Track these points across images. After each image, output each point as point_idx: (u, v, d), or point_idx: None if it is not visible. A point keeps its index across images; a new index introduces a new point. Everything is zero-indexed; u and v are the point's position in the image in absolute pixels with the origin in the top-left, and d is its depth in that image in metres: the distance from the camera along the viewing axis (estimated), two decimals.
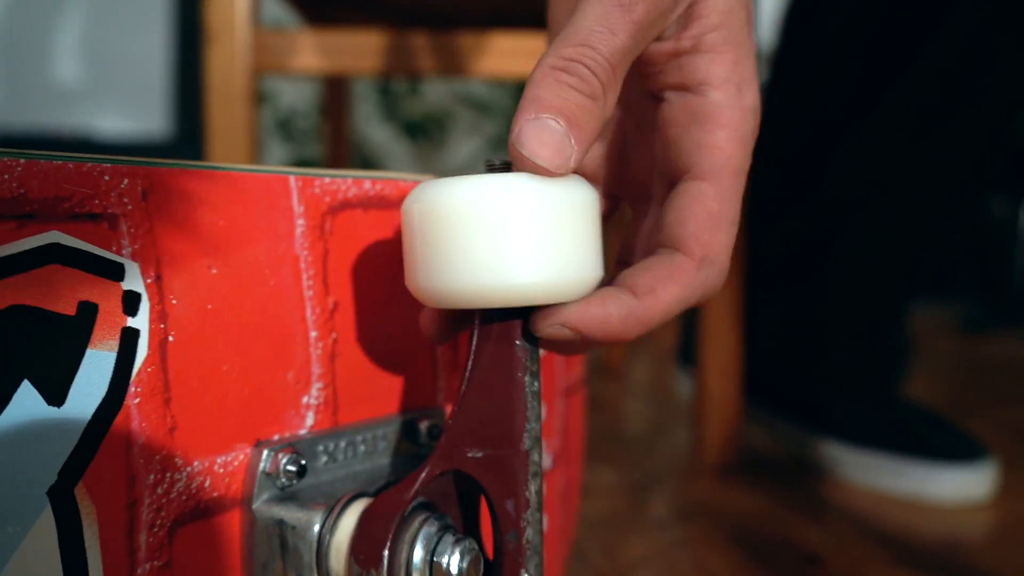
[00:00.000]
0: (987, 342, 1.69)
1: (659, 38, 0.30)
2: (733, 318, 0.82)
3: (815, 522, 0.70)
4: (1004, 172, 1.64)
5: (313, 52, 0.70)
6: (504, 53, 0.74)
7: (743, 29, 0.30)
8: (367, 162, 2.29)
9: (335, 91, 1.09)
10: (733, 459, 0.83)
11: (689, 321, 1.02)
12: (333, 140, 1.10)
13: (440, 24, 0.83)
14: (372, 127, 2.36)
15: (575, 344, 0.28)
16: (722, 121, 0.30)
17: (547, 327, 0.28)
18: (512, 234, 0.26)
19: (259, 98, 0.74)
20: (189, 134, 2.10)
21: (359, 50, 0.71)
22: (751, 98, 0.30)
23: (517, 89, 2.31)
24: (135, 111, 2.09)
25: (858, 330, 0.90)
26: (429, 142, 2.42)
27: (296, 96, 2.30)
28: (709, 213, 0.29)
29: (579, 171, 0.33)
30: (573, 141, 0.26)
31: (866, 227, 0.86)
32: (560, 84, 0.26)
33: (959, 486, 0.77)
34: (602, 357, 1.27)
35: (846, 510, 0.74)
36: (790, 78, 0.95)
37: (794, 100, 0.94)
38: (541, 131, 0.26)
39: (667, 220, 0.30)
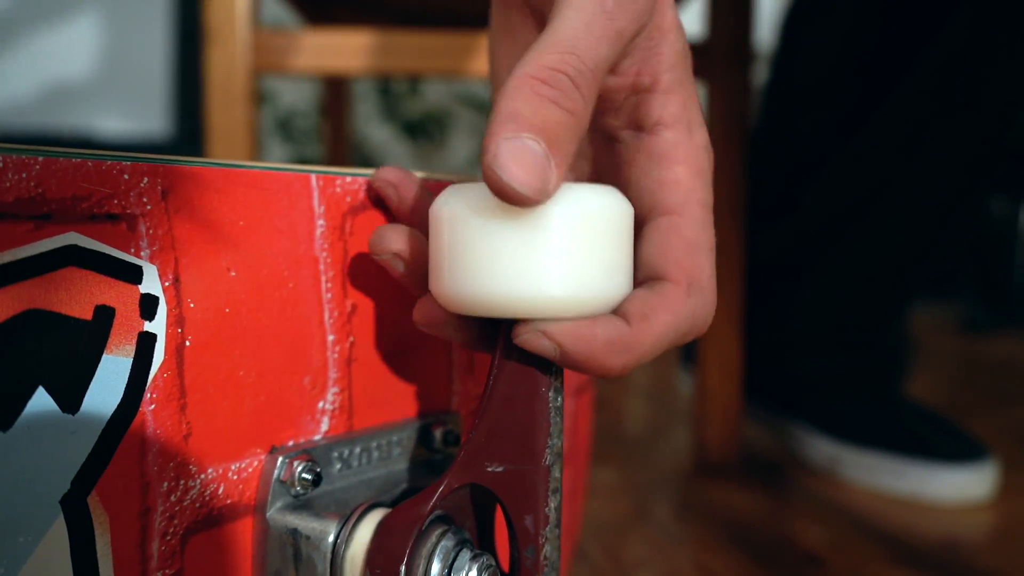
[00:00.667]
0: (987, 342, 1.70)
1: (616, 71, 0.29)
2: (733, 318, 0.81)
3: (815, 522, 0.70)
4: (1004, 173, 1.64)
5: (313, 52, 0.69)
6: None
7: (689, 72, 0.30)
8: (367, 162, 2.27)
9: (335, 91, 1.09)
10: (733, 459, 0.82)
11: None
12: (333, 140, 1.09)
13: (440, 24, 0.83)
14: (372, 127, 2.35)
15: (555, 359, 0.27)
16: (679, 158, 0.30)
17: (527, 332, 0.26)
18: (545, 244, 0.25)
19: (259, 98, 0.73)
20: (189, 134, 2.09)
21: (359, 50, 0.70)
22: (700, 137, 0.30)
23: None
24: (135, 111, 2.08)
25: (858, 331, 0.90)
26: (429, 142, 2.41)
27: (296, 96, 2.29)
28: (687, 241, 0.29)
29: None
30: (553, 164, 0.25)
31: (866, 229, 0.86)
32: (540, 98, 0.25)
33: (959, 486, 0.77)
34: None
35: (846, 510, 0.74)
36: (789, 80, 0.94)
37: (794, 101, 0.93)
38: (521, 153, 0.24)
39: (645, 255, 0.30)
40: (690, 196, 0.30)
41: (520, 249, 0.25)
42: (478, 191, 0.26)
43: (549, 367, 0.28)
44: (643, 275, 0.30)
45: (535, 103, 0.25)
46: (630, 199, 0.30)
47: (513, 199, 0.24)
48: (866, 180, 0.85)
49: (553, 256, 0.25)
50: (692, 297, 0.29)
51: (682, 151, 0.30)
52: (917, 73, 0.81)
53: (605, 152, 0.32)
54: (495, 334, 0.29)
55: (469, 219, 0.26)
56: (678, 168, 0.30)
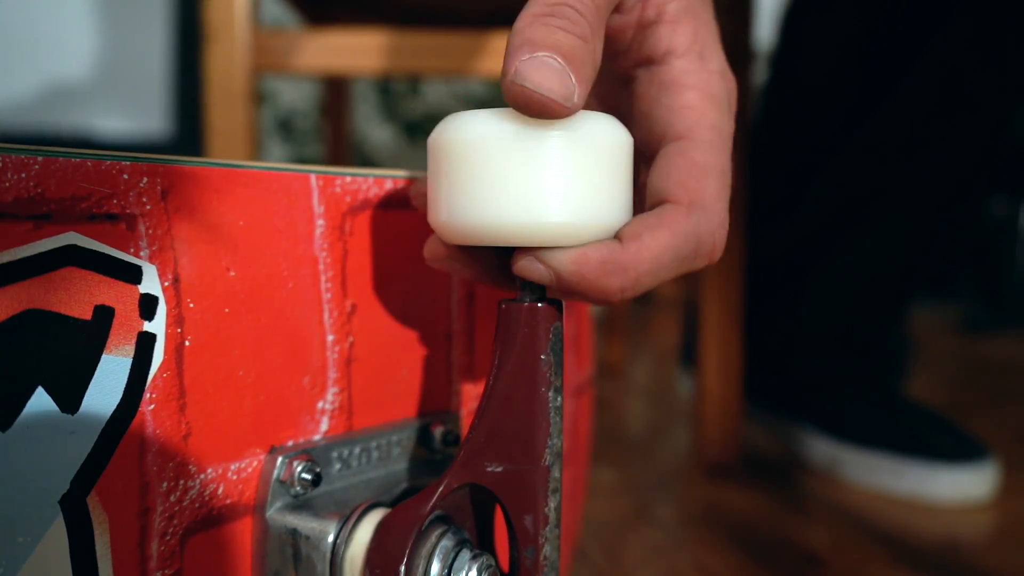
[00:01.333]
0: (987, 342, 1.69)
1: (621, 10, 0.29)
2: (733, 318, 0.81)
3: (815, 522, 0.70)
4: (1004, 173, 1.64)
5: (313, 52, 0.69)
6: (503, 53, 0.73)
7: (701, 2, 0.30)
8: (367, 162, 2.27)
9: (335, 91, 1.09)
10: (733, 459, 0.82)
11: (691, 321, 1.02)
12: (333, 140, 1.09)
13: (440, 24, 0.83)
14: (372, 127, 2.35)
15: (551, 286, 0.27)
16: (688, 83, 0.29)
17: (522, 259, 0.26)
18: (544, 169, 0.25)
19: (259, 98, 0.73)
20: (189, 134, 2.08)
21: (359, 50, 0.70)
22: (716, 63, 0.30)
23: None
24: (135, 111, 2.08)
25: (859, 331, 0.90)
26: None
27: (296, 96, 2.29)
28: (693, 163, 0.28)
29: None
30: (574, 78, 0.25)
31: (867, 228, 0.86)
32: (549, 27, 0.25)
33: (959, 486, 0.77)
34: (603, 357, 1.27)
35: (846, 510, 0.74)
36: (790, 79, 0.94)
37: (794, 101, 0.93)
38: (541, 66, 0.24)
39: (652, 181, 0.29)
40: (701, 120, 0.29)
41: (519, 175, 0.25)
42: (476, 119, 0.26)
43: (548, 367, 0.28)
44: (649, 204, 0.29)
45: (545, 30, 0.25)
46: (643, 134, 0.30)
47: (540, 107, 0.24)
48: (866, 180, 0.85)
49: (552, 181, 0.25)
50: (693, 216, 0.27)
51: (692, 77, 0.29)
52: (917, 72, 0.81)
53: (623, 98, 0.32)
54: (503, 265, 0.29)
55: (466, 146, 0.26)
56: (688, 93, 0.29)
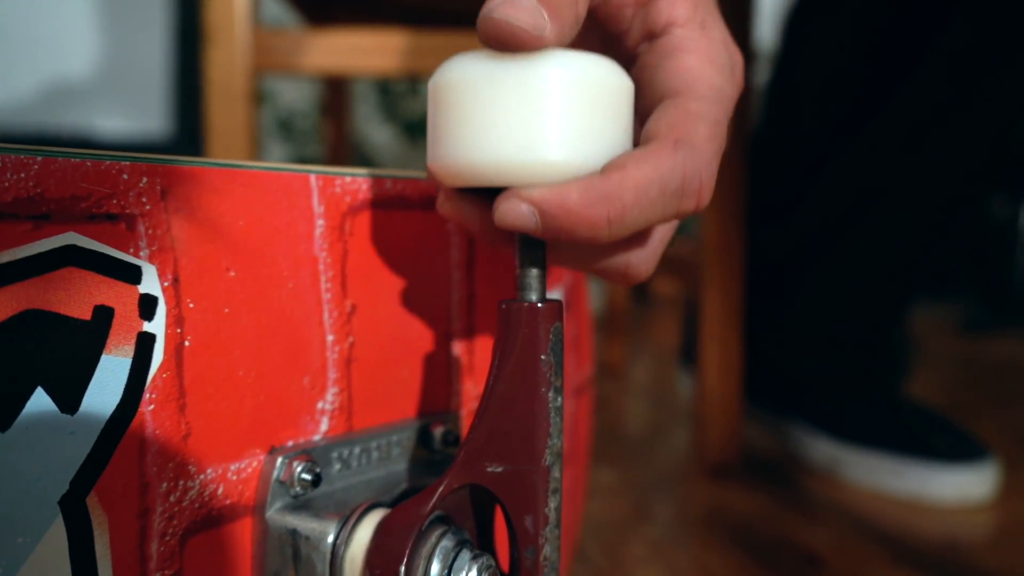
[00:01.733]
0: (987, 342, 1.69)
1: None
2: (733, 318, 0.81)
3: (815, 522, 0.70)
4: (1004, 173, 1.64)
5: (313, 52, 0.69)
6: None
7: None
8: (367, 162, 2.27)
9: (335, 91, 1.08)
10: (733, 459, 0.82)
11: (690, 320, 1.02)
12: (333, 140, 1.09)
13: (440, 24, 0.83)
14: (372, 127, 2.35)
15: (536, 228, 0.26)
16: (689, 48, 0.29)
17: (504, 202, 0.26)
18: (537, 106, 0.25)
19: (259, 98, 0.73)
20: (189, 134, 2.08)
21: (359, 50, 0.70)
22: (718, 32, 0.30)
23: None
24: (135, 111, 2.08)
25: (859, 331, 0.90)
26: None
27: (296, 96, 2.28)
28: (686, 110, 0.28)
29: None
30: (546, 16, 0.25)
31: (868, 229, 0.86)
32: None
33: (960, 486, 0.77)
34: (603, 357, 1.27)
35: (846, 510, 0.74)
36: (791, 80, 0.94)
37: (796, 102, 0.93)
38: (513, 2, 0.25)
39: (644, 132, 0.28)
40: (699, 78, 0.29)
41: (513, 112, 0.25)
42: (471, 58, 0.26)
43: (548, 368, 0.28)
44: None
45: None
46: (645, 104, 0.30)
47: (510, 37, 0.25)
48: (868, 181, 0.85)
49: (544, 118, 0.25)
50: (680, 152, 0.27)
51: (693, 44, 0.29)
52: (919, 74, 0.81)
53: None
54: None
55: (460, 85, 0.26)
56: (689, 57, 0.29)
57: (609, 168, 0.26)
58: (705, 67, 0.29)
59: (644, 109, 0.30)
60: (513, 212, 0.26)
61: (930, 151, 0.82)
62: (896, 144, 0.83)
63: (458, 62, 0.26)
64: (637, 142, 0.30)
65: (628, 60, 0.32)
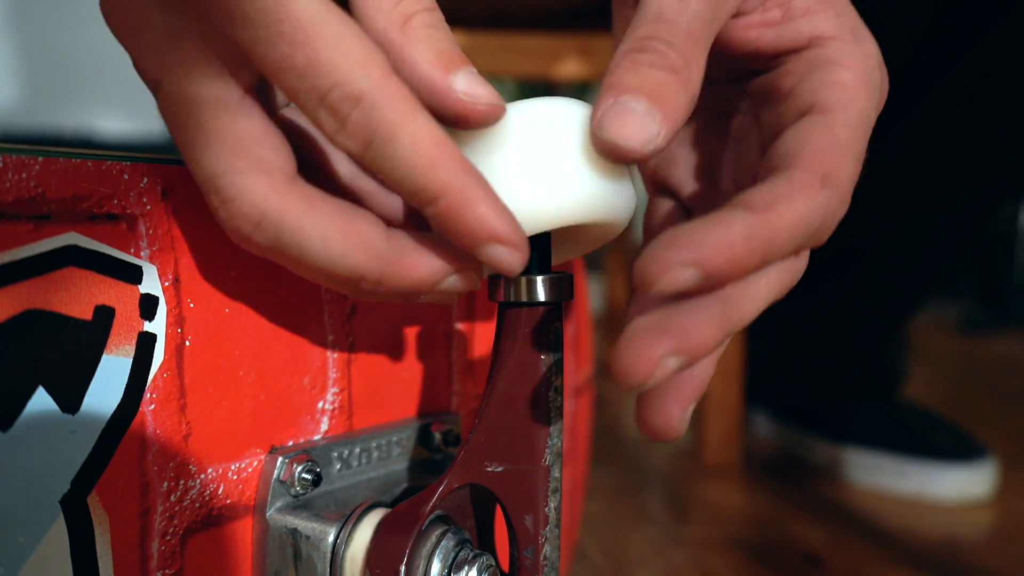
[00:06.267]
0: (987, 342, 1.70)
1: (739, 13, 0.28)
2: None
3: (815, 522, 0.70)
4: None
5: None
6: (502, 54, 0.73)
7: None
8: None
9: None
10: (733, 459, 0.83)
11: None
12: None
13: None
14: None
15: (696, 286, 0.22)
16: (846, 63, 0.27)
17: (656, 269, 0.22)
18: (549, 153, 0.25)
19: None
20: None
21: None
22: (872, 47, 0.28)
23: (517, 89, 2.29)
24: (135, 111, 2.08)
25: (862, 334, 0.90)
26: None
27: None
28: (836, 138, 0.26)
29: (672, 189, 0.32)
30: (659, 119, 0.24)
31: (879, 236, 0.86)
32: (637, 65, 0.25)
33: (959, 486, 0.77)
34: (603, 357, 1.27)
35: (846, 510, 0.74)
36: None
37: None
38: (621, 113, 0.24)
39: (784, 144, 0.26)
40: (854, 101, 0.27)
41: (530, 160, 0.25)
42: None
43: (548, 368, 0.28)
44: (771, 165, 0.26)
45: (632, 69, 0.25)
46: (778, 113, 0.28)
47: (624, 155, 0.24)
48: (882, 187, 0.85)
49: (556, 164, 0.25)
50: (825, 191, 0.24)
51: (849, 57, 0.27)
52: (945, 85, 0.80)
53: (728, 101, 0.31)
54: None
55: (478, 133, 0.26)
56: (845, 72, 0.27)
57: (759, 206, 0.23)
58: (860, 88, 0.27)
59: (774, 118, 0.28)
60: (672, 279, 0.22)
61: (949, 159, 0.81)
62: (915, 151, 0.82)
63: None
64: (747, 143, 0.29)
65: (742, 78, 0.30)
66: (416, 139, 0.23)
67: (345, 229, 0.24)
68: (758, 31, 0.28)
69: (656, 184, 0.33)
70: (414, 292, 0.25)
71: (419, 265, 0.25)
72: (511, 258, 0.24)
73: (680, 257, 0.22)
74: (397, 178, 0.23)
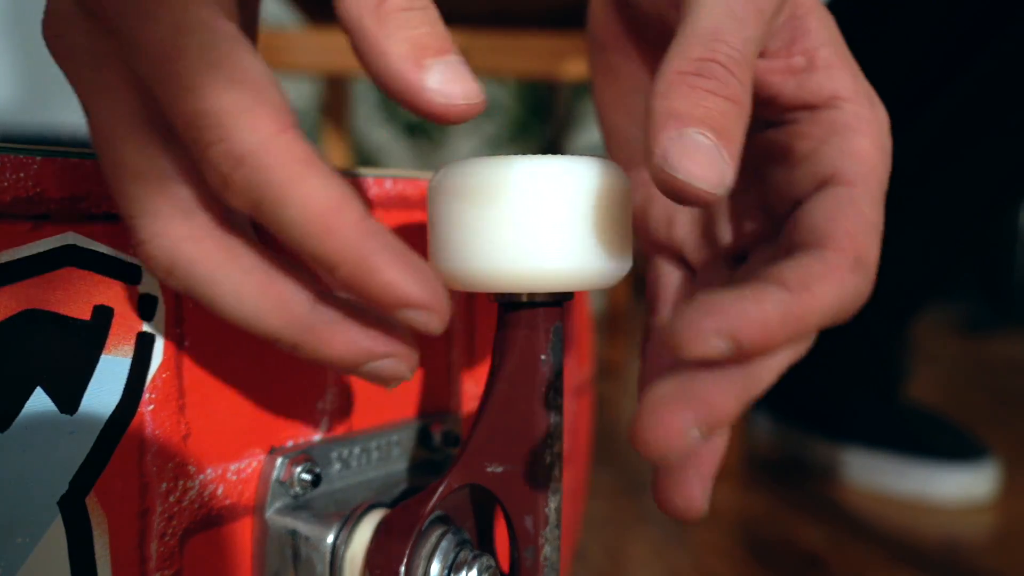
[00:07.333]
0: (988, 342, 1.70)
1: (763, 55, 0.27)
2: None
3: (815, 522, 0.70)
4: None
5: (313, 52, 0.68)
6: (504, 52, 0.73)
7: (845, 44, 0.28)
8: (367, 162, 2.27)
9: (335, 91, 1.08)
10: (733, 459, 0.82)
11: None
12: (333, 140, 1.09)
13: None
14: (372, 127, 2.35)
15: (728, 356, 0.22)
16: (862, 130, 0.27)
17: (686, 333, 0.21)
18: (546, 216, 0.25)
19: None
20: None
21: None
22: (883, 112, 0.28)
23: (517, 88, 2.29)
24: None
25: (863, 335, 0.89)
26: (429, 142, 2.40)
27: (296, 96, 2.28)
28: (864, 216, 0.25)
29: (669, 244, 0.32)
30: (726, 155, 0.22)
31: (884, 239, 0.85)
32: (696, 91, 0.23)
33: (961, 486, 0.77)
34: (603, 357, 1.27)
35: (846, 510, 0.74)
36: None
37: None
38: (691, 148, 0.22)
39: (812, 218, 0.26)
40: (873, 172, 0.27)
41: (521, 221, 0.25)
42: (479, 165, 0.26)
43: (548, 368, 0.28)
44: (796, 241, 0.26)
45: (692, 97, 0.23)
46: (798, 175, 0.28)
47: (694, 198, 0.22)
48: (889, 191, 0.84)
49: (553, 227, 0.25)
50: (857, 274, 0.24)
51: (866, 125, 0.27)
52: (950, 92, 0.80)
53: (753, 148, 0.30)
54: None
55: (470, 191, 0.25)
56: (862, 140, 0.27)
57: (794, 285, 0.23)
58: (877, 157, 0.27)
59: (793, 179, 0.28)
60: (704, 346, 0.22)
61: (957, 164, 0.81)
62: (921, 156, 0.82)
63: (459, 168, 0.26)
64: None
65: (761, 126, 0.29)
66: (306, 204, 0.21)
67: (264, 288, 0.22)
68: (782, 77, 0.28)
69: (655, 245, 0.32)
70: (335, 367, 0.23)
71: (336, 340, 0.23)
72: (427, 320, 0.22)
73: (715, 326, 0.21)
74: (293, 244, 0.21)
